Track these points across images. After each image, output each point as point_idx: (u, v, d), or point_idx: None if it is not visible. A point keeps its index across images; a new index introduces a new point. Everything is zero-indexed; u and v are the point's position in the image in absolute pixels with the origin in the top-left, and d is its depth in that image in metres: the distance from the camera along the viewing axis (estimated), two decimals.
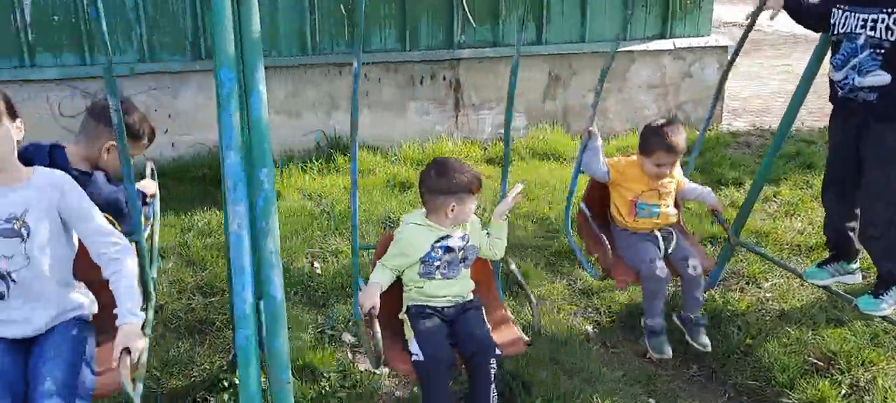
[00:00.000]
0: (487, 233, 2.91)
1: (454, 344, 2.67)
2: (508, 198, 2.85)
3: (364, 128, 6.29)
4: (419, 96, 6.55)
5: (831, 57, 3.15)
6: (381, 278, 2.73)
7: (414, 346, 2.60)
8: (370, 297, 2.61)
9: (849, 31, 3.03)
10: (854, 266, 3.47)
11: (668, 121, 3.36)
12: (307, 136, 6.28)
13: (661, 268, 3.21)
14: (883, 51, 2.93)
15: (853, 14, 3.01)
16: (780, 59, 11.05)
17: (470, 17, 6.48)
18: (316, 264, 4.04)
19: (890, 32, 2.90)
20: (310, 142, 6.28)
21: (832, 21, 3.10)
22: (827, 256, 3.63)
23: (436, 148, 6.24)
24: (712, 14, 7.29)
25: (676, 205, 3.52)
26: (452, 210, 2.70)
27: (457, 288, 2.79)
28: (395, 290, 2.80)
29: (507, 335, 2.77)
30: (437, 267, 2.73)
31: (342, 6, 6.14)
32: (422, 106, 6.59)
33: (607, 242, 3.29)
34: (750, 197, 3.77)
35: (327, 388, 3.03)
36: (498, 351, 2.63)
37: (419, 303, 2.76)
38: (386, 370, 3.10)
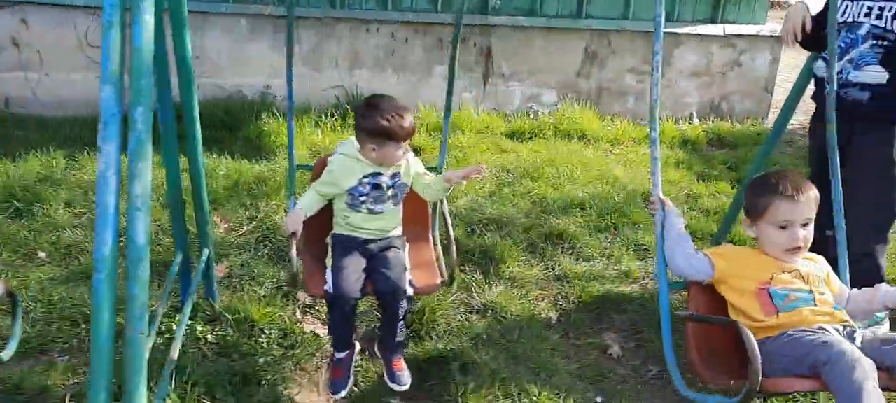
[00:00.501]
0: (425, 176, 2.84)
1: (370, 278, 2.65)
2: (460, 172, 2.70)
3: (388, 89, 6.19)
4: (447, 61, 6.36)
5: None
6: (308, 202, 2.72)
7: (328, 275, 2.60)
8: (293, 221, 2.60)
9: (851, 18, 2.71)
10: None
11: (777, 169, 2.67)
12: (327, 91, 6.20)
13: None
14: (886, 43, 2.61)
15: (857, 1, 2.69)
16: None
17: None
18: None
19: None
20: (329, 96, 6.20)
21: (838, 12, 2.77)
22: None
23: (458, 116, 6.06)
24: (768, 4, 6.80)
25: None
26: (373, 151, 2.64)
27: (382, 223, 2.77)
28: (327, 215, 2.82)
29: (424, 276, 2.74)
30: (363, 201, 2.71)
31: None
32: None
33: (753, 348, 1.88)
34: (728, 216, 3.45)
35: (263, 345, 2.95)
36: (409, 292, 2.63)
37: (343, 233, 2.76)
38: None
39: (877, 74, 2.66)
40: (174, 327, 2.85)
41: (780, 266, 2.19)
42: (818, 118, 2.99)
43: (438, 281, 2.74)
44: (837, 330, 2.05)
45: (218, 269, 3.47)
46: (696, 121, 6.72)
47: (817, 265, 2.27)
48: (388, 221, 2.78)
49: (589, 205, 4.47)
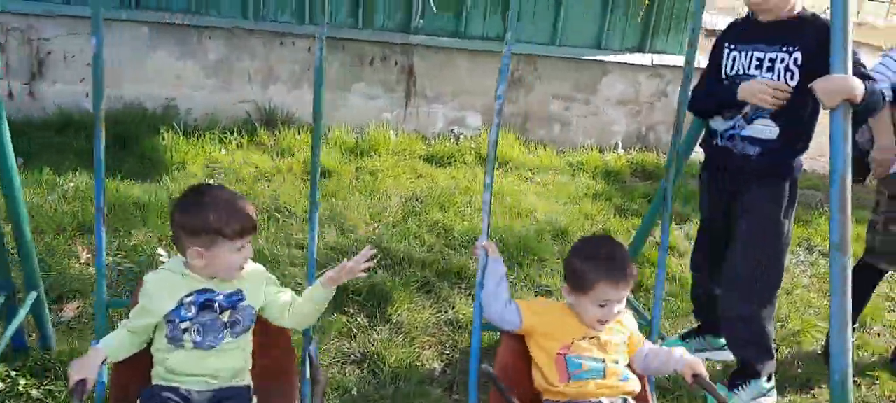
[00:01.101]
0: (283, 293, 2.11)
1: None
2: (346, 266, 2.07)
3: (303, 105, 5.90)
4: (367, 78, 6.10)
5: None
6: (115, 342, 1.97)
7: None
8: (83, 367, 1.83)
9: (741, 70, 2.54)
10: (723, 340, 2.99)
11: (603, 237, 2.51)
12: (238, 106, 5.87)
13: None
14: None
15: (745, 53, 2.52)
16: None
17: (431, 1, 6.01)
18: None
19: (790, 75, 2.41)
20: (239, 111, 5.87)
21: (722, 63, 2.61)
22: (694, 327, 3.18)
23: (374, 137, 5.79)
24: (700, 32, 6.71)
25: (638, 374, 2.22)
26: (200, 257, 1.94)
27: (215, 364, 1.97)
28: (146, 362, 2.02)
29: None
30: (186, 331, 1.95)
31: None
32: (370, 89, 6.14)
33: None
34: (638, 235, 3.27)
35: None
36: None
37: (160, 385, 1.95)
38: None
39: (767, 129, 2.50)
40: None
41: (583, 331, 2.16)
42: (707, 168, 2.82)
43: None
44: None
45: (68, 308, 3.12)
46: (621, 150, 6.59)
47: (621, 329, 2.21)
48: (224, 361, 1.98)
49: (495, 240, 4.22)
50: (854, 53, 2.21)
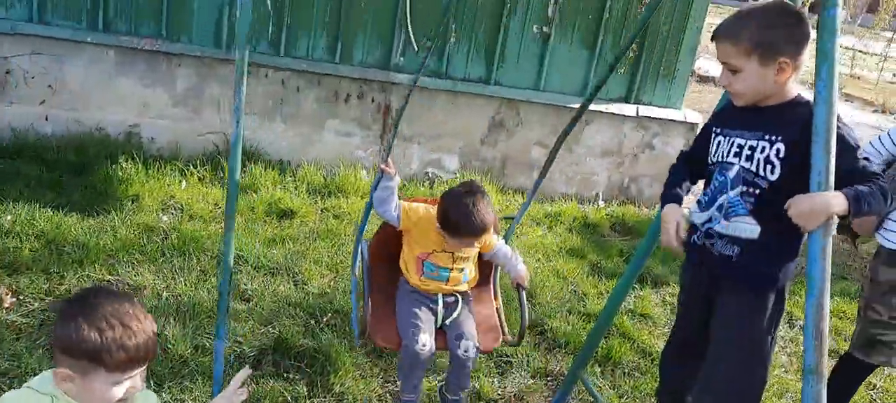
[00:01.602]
0: None
1: None
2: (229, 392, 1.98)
3: (275, 140, 5.69)
4: (342, 115, 5.89)
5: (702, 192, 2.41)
6: None
7: None
8: None
9: (721, 157, 2.27)
10: None
11: (470, 190, 2.81)
12: (204, 137, 5.64)
13: (423, 343, 2.75)
14: (757, 192, 2.17)
15: (728, 138, 2.26)
16: None
17: (412, 39, 5.81)
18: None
19: (770, 168, 2.12)
20: (206, 142, 5.64)
21: (710, 149, 2.35)
22: None
23: (343, 177, 5.55)
24: (687, 86, 6.56)
25: (482, 268, 3.12)
26: (71, 381, 1.61)
27: None
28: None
29: None
30: None
31: (268, 1, 5.50)
32: (344, 126, 5.92)
33: (371, 299, 2.93)
34: (611, 301, 3.02)
35: None
36: None
37: None
38: None
39: (747, 227, 2.17)
40: None
41: (443, 244, 2.84)
42: (687, 262, 2.53)
43: None
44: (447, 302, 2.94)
45: None
46: (601, 202, 6.38)
47: (476, 247, 2.94)
48: None
49: None
50: (844, 138, 1.97)
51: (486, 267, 3.16)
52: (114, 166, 4.95)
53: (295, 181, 5.37)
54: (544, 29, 6.05)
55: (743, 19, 2.09)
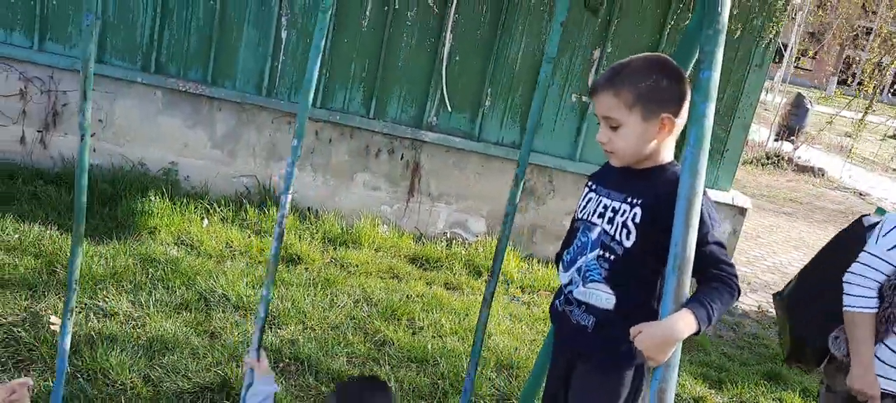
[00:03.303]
0: None
1: None
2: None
3: (303, 188, 5.81)
4: (372, 169, 5.95)
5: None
6: None
7: None
8: None
9: (587, 216, 2.09)
10: None
11: (372, 386, 2.18)
12: (237, 179, 5.84)
13: None
14: (612, 258, 1.97)
15: (598, 196, 2.08)
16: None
17: (447, 99, 5.84)
18: (54, 320, 3.48)
19: (626, 233, 1.92)
20: (238, 185, 5.83)
21: (580, 202, 2.17)
22: None
23: (359, 229, 5.58)
24: (736, 169, 6.19)
25: None
26: None
27: None
28: None
29: None
30: None
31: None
32: (373, 179, 5.98)
33: None
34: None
35: None
36: None
37: None
38: None
39: (602, 295, 1.96)
40: None
41: None
42: (553, 340, 2.32)
43: None
44: None
45: None
46: None
47: None
48: None
49: (430, 363, 3.85)
50: (706, 223, 1.77)
51: None
52: (143, 199, 5.20)
53: (313, 229, 5.43)
54: (583, 98, 5.92)
55: (625, 70, 1.94)
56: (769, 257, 8.19)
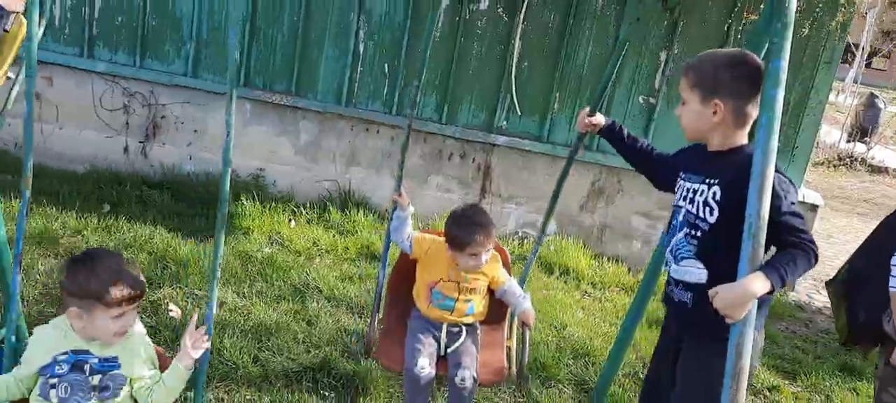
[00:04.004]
0: (145, 380, 2.16)
1: None
2: (188, 342, 2.18)
3: (379, 191, 6.13)
4: (445, 172, 6.24)
5: None
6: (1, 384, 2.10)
7: None
8: None
9: (677, 201, 2.31)
10: None
11: (469, 206, 3.13)
12: (320, 184, 6.21)
13: (423, 368, 2.89)
14: (699, 235, 2.16)
15: (684, 181, 2.30)
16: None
17: (516, 103, 6.08)
18: (173, 308, 3.85)
19: (708, 211, 2.12)
20: (321, 189, 6.20)
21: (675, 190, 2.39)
22: None
23: (431, 228, 5.84)
24: (807, 164, 6.21)
25: (492, 303, 3.21)
26: (80, 318, 2.04)
27: None
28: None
29: None
30: (54, 387, 2.03)
31: (386, 65, 6.04)
32: (446, 182, 6.26)
33: (385, 322, 3.26)
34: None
35: None
36: None
37: None
38: None
39: (694, 271, 2.15)
40: None
41: (451, 272, 3.02)
42: (666, 314, 2.52)
43: None
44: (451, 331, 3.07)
45: None
46: None
47: (483, 277, 3.08)
48: None
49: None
50: (779, 195, 1.95)
51: (500, 307, 3.27)
52: (236, 203, 5.60)
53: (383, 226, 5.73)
54: (650, 99, 6.07)
55: (701, 58, 2.19)
56: (842, 256, 8.08)
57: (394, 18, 5.90)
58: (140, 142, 6.11)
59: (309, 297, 4.30)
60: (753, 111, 2.13)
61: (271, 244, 5.15)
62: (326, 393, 3.38)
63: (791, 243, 1.96)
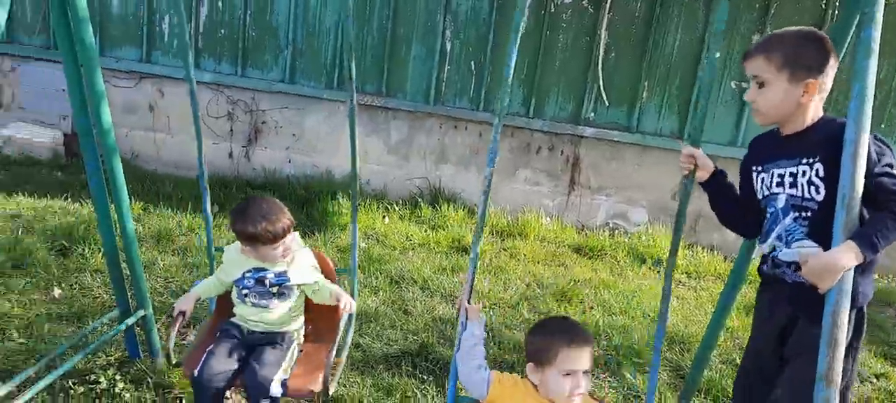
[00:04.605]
0: (313, 285, 2.81)
1: (242, 370, 2.67)
2: (343, 304, 2.71)
3: (468, 186, 6.27)
4: (533, 165, 6.30)
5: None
6: (206, 286, 2.85)
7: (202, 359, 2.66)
8: (184, 301, 2.74)
9: (766, 190, 2.27)
10: None
11: (559, 316, 2.45)
12: (411, 182, 6.39)
13: None
14: (809, 215, 2.14)
15: (769, 172, 2.26)
16: None
17: (604, 94, 6.08)
18: None
19: (815, 189, 2.10)
20: (412, 187, 6.38)
21: (755, 187, 2.34)
22: None
23: (524, 221, 5.93)
24: None
25: None
26: (249, 252, 2.69)
27: (267, 316, 2.78)
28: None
29: (304, 380, 2.70)
30: (247, 295, 2.77)
31: (472, 62, 6.17)
32: (534, 175, 6.32)
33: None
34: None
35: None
36: (275, 392, 2.59)
37: (231, 321, 2.83)
38: None
39: (811, 251, 2.12)
40: (102, 380, 3.07)
41: None
42: (762, 292, 2.48)
43: (315, 387, 2.66)
44: None
45: (191, 332, 3.69)
46: None
47: None
48: (273, 315, 2.77)
49: (602, 337, 4.11)
50: (872, 158, 1.92)
51: None
52: (333, 201, 5.86)
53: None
54: (742, 84, 5.93)
55: (778, 37, 2.16)
56: None
57: (479, 15, 6.02)
58: (243, 146, 6.48)
59: (404, 287, 4.47)
60: (830, 83, 2.14)
61: (367, 239, 5.36)
62: (424, 376, 3.52)
63: (885, 206, 1.93)
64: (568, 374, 2.08)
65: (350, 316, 3.08)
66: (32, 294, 3.84)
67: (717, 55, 2.28)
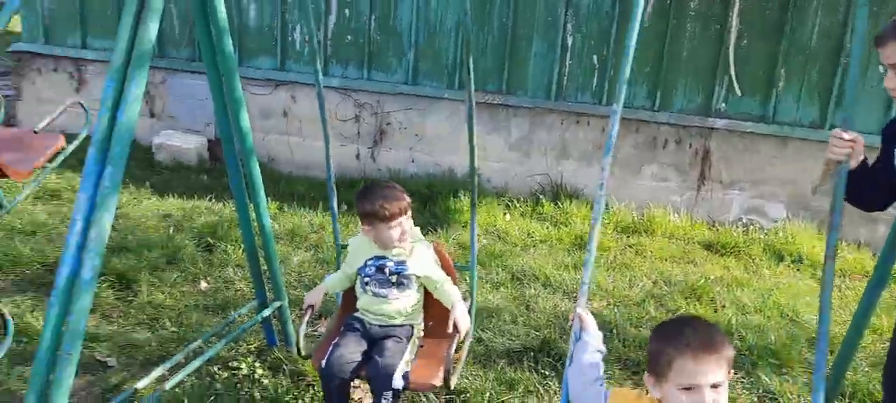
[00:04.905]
0: (435, 282, 2.90)
1: (365, 362, 2.75)
2: (460, 326, 2.77)
3: (592, 182, 6.18)
4: (660, 160, 6.10)
5: None
6: (334, 280, 2.99)
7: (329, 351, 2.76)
8: (313, 295, 2.90)
9: None
10: None
11: (689, 316, 2.22)
12: (532, 178, 6.37)
13: None
14: None
15: None
16: None
17: (736, 84, 5.79)
18: None
19: None
20: (532, 183, 6.36)
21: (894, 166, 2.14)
22: None
23: (651, 217, 5.75)
24: None
25: None
26: (369, 232, 2.81)
27: (386, 307, 2.86)
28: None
29: (426, 373, 2.77)
30: (368, 284, 2.87)
31: (595, 56, 6.07)
32: (661, 171, 6.12)
33: None
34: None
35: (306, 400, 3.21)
36: (398, 384, 2.66)
37: (354, 315, 2.93)
38: None
39: None
40: (243, 367, 3.30)
41: None
42: None
43: (437, 382, 2.72)
44: None
45: (321, 323, 3.88)
46: None
47: None
48: (392, 307, 2.85)
49: (735, 336, 3.92)
50: None
51: None
52: (455, 199, 5.96)
53: (604, 219, 5.74)
54: None
55: None
56: None
57: (601, 8, 5.91)
58: (369, 147, 6.71)
59: (526, 283, 4.47)
60: None
61: (488, 235, 5.40)
62: (546, 372, 3.51)
63: None
64: (687, 388, 1.75)
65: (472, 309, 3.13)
66: (182, 286, 4.18)
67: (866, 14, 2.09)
